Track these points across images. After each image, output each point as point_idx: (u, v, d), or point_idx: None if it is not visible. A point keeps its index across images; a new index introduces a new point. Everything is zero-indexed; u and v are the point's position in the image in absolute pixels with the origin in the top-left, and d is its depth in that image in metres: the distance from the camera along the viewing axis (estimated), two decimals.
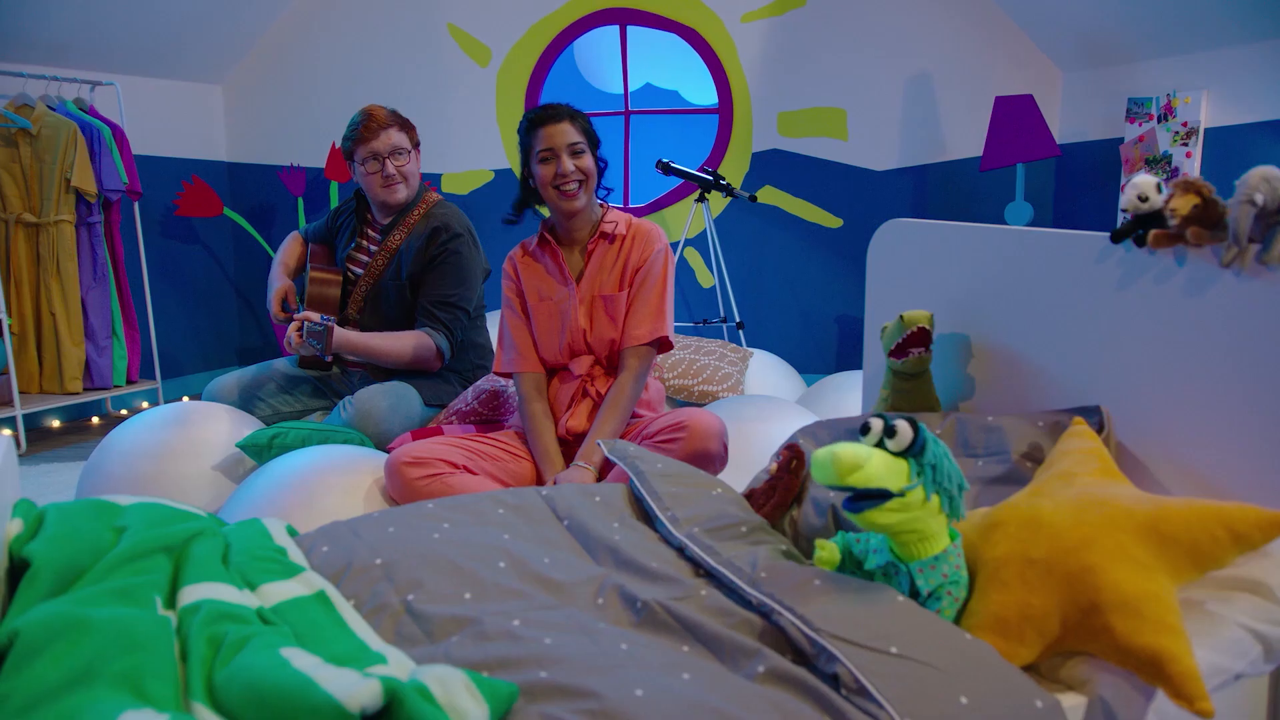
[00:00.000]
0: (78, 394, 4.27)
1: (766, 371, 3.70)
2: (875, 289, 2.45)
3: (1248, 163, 3.96)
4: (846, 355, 5.27)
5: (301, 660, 1.05)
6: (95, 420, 4.61)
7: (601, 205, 2.53)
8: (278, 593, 1.32)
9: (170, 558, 1.31)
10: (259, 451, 2.55)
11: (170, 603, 1.24)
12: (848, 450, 1.28)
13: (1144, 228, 1.62)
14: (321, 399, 3.08)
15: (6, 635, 1.00)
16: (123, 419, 4.58)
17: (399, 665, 1.18)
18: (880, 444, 1.33)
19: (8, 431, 3.96)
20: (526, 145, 2.44)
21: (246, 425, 2.76)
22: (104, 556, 1.24)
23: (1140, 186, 1.60)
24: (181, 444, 2.61)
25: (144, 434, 2.65)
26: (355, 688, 0.96)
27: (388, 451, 2.63)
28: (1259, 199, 1.41)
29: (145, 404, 4.88)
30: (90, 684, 0.96)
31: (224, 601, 1.22)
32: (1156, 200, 1.60)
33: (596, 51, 5.77)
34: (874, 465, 1.29)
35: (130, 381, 4.54)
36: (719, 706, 1.10)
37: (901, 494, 1.30)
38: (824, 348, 5.31)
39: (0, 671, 0.97)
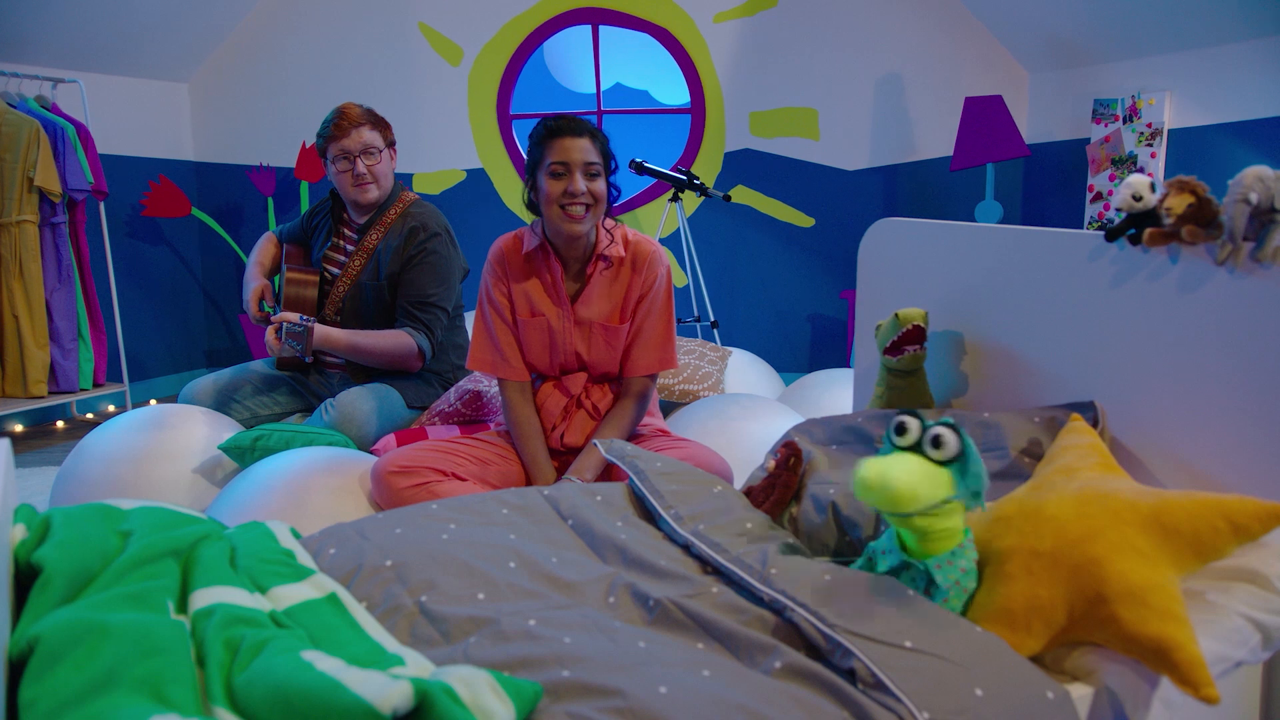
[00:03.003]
0: (42, 398, 4.18)
1: (744, 370, 3.71)
2: (867, 287, 2.46)
3: (1210, 163, 4.03)
4: (820, 353, 5.31)
5: (325, 663, 1.04)
6: (60, 424, 4.52)
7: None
8: (289, 596, 1.30)
9: (178, 562, 1.29)
10: (241, 454, 2.52)
11: (181, 607, 1.22)
12: (903, 482, 1.27)
13: (1137, 226, 1.65)
14: (299, 401, 3.05)
15: (27, 641, 0.99)
16: (89, 423, 4.49)
17: (417, 667, 1.17)
18: (918, 446, 1.33)
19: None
20: (538, 155, 2.25)
21: (225, 428, 2.72)
22: (112, 561, 1.22)
23: (1134, 185, 1.63)
24: (160, 447, 2.57)
25: (121, 437, 2.60)
26: (386, 689, 0.95)
27: (372, 453, 2.61)
28: (1253, 198, 1.44)
29: (112, 407, 4.79)
30: (112, 689, 0.95)
31: (237, 605, 1.20)
32: (1150, 199, 1.63)
33: (566, 51, 5.75)
34: (924, 489, 1.28)
35: (97, 385, 4.45)
36: (743, 702, 1.10)
37: (945, 503, 1.31)
38: (797, 346, 5.35)
39: (23, 678, 0.96)
